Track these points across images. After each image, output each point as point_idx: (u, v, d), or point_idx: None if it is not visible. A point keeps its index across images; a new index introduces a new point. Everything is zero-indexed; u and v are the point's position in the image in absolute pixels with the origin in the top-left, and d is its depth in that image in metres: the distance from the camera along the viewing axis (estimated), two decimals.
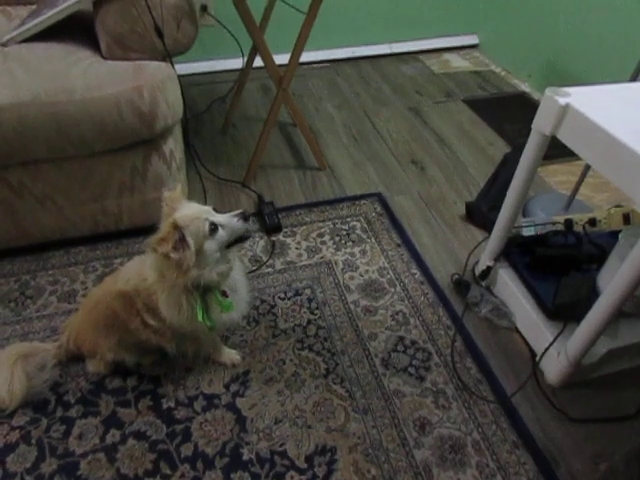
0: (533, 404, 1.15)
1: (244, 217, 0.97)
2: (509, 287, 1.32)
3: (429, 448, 1.07)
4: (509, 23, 2.55)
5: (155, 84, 1.27)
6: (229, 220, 0.96)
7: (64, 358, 1.18)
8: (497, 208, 1.33)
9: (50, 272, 1.43)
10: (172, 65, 1.37)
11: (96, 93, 1.22)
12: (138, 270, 1.03)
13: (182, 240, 0.91)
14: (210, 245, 0.94)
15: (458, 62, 2.72)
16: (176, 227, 0.90)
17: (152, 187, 1.43)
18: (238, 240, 0.99)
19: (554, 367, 1.15)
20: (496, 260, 1.35)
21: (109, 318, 1.09)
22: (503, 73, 2.61)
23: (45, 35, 1.33)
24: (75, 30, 1.38)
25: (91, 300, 1.16)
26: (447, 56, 2.76)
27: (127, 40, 1.30)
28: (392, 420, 1.12)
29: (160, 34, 1.30)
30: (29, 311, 1.33)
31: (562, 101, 1.00)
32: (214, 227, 0.94)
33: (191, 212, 0.94)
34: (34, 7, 1.48)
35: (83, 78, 1.24)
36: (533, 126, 1.10)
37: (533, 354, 1.24)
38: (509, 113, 2.26)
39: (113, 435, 1.08)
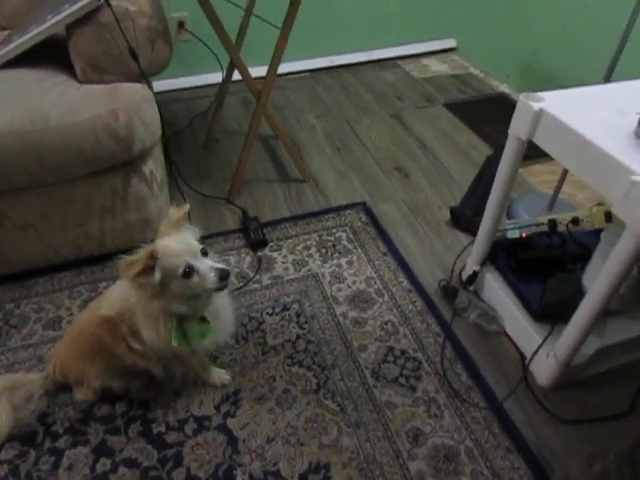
0: (525, 408, 1.15)
1: (222, 276, 0.92)
2: (496, 291, 1.32)
3: (423, 459, 1.07)
4: (486, 25, 2.58)
5: (131, 106, 1.26)
6: (207, 272, 0.92)
7: (51, 388, 1.16)
8: (481, 211, 1.33)
9: (34, 299, 1.41)
10: (149, 85, 1.37)
11: (71, 119, 1.21)
12: (122, 294, 1.02)
13: (151, 268, 0.90)
14: (179, 285, 0.92)
15: (437, 66, 2.74)
16: (151, 256, 0.90)
17: (134, 209, 1.42)
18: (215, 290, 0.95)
19: (544, 369, 1.15)
20: (482, 264, 1.36)
21: (94, 345, 1.07)
22: (482, 75, 2.63)
23: (19, 61, 1.32)
24: (49, 54, 1.37)
25: (76, 327, 1.14)
26: (426, 61, 2.79)
27: (101, 63, 1.29)
28: (385, 432, 1.11)
29: (135, 56, 1.29)
30: (14, 340, 1.31)
31: (536, 106, 1.01)
32: (189, 271, 0.91)
33: (176, 247, 0.92)
34: (6, 33, 1.48)
35: (58, 104, 1.23)
36: (510, 131, 1.11)
37: (523, 357, 1.25)
38: (489, 115, 2.28)
39: (104, 464, 1.07)
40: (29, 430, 1.11)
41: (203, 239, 0.99)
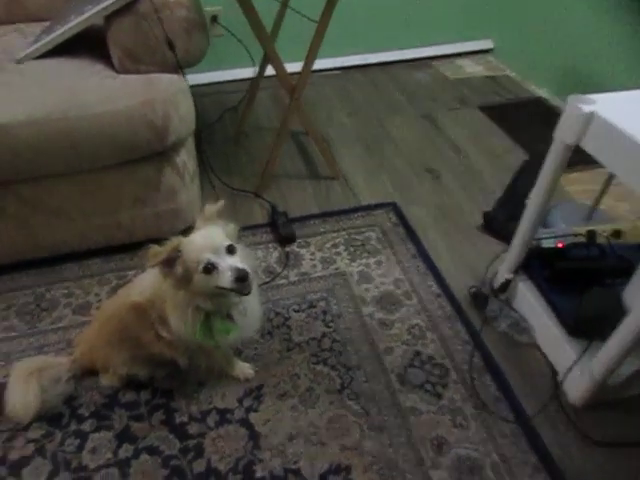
0: (554, 425, 1.11)
1: (237, 277, 0.90)
2: (529, 301, 1.28)
3: (446, 469, 1.04)
4: (525, 26, 2.50)
5: (167, 97, 1.27)
6: (225, 270, 0.90)
7: (78, 371, 1.18)
8: (515, 218, 1.29)
9: (65, 284, 1.44)
10: (184, 77, 1.37)
11: (108, 108, 1.22)
12: (153, 281, 1.03)
13: (175, 260, 0.91)
14: (200, 280, 0.92)
15: (472, 67, 2.68)
16: (176, 249, 0.91)
17: (165, 199, 1.43)
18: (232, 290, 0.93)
19: (577, 387, 1.11)
20: (515, 273, 1.32)
21: (123, 332, 1.09)
22: (519, 78, 2.56)
23: (59, 51, 1.35)
24: (87, 44, 1.39)
25: (104, 313, 1.16)
26: (460, 61, 2.73)
27: (139, 53, 1.30)
28: (408, 439, 1.09)
29: (172, 47, 1.30)
30: (44, 323, 1.33)
31: (586, 109, 0.97)
32: (210, 267, 0.90)
33: (200, 242, 0.92)
34: (47, 24, 1.50)
35: (96, 93, 1.24)
36: (555, 135, 1.07)
37: (554, 372, 1.21)
38: (526, 119, 2.22)
39: (126, 450, 1.08)
40: (56, 412, 1.14)
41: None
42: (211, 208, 0.97)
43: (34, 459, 1.06)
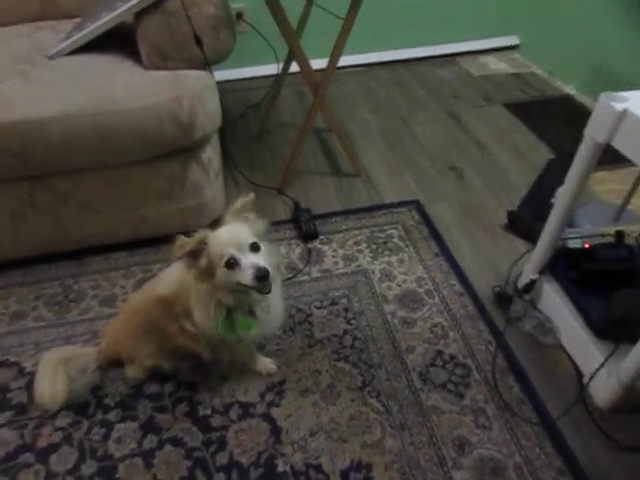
0: (580, 428, 1.10)
1: (257, 276, 0.91)
2: (554, 302, 1.26)
3: (468, 469, 1.03)
4: (552, 22, 2.45)
5: (194, 94, 1.28)
6: (246, 267, 0.91)
7: (104, 362, 1.20)
8: (541, 217, 1.27)
9: (92, 276, 1.47)
10: (211, 74, 1.39)
11: (137, 103, 1.24)
12: (179, 275, 1.04)
13: (199, 252, 0.93)
14: (222, 275, 0.93)
15: (497, 64, 2.64)
16: (202, 241, 0.92)
17: (190, 194, 1.45)
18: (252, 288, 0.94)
19: (604, 390, 1.09)
20: (541, 273, 1.30)
21: (148, 324, 1.10)
22: (545, 75, 2.52)
23: (89, 47, 1.37)
24: (117, 41, 1.41)
25: (130, 306, 1.18)
26: (485, 58, 2.69)
27: (167, 50, 1.32)
28: (430, 438, 1.08)
29: (199, 43, 1.31)
30: (72, 314, 1.36)
31: (619, 107, 0.95)
32: (232, 262, 0.91)
33: (225, 237, 0.93)
34: (78, 21, 1.53)
35: (124, 89, 1.27)
36: (585, 133, 1.05)
37: (579, 374, 1.18)
38: (552, 117, 2.17)
39: (150, 440, 1.10)
40: (82, 401, 1.16)
41: None
42: (240, 203, 0.98)
43: (61, 447, 1.09)
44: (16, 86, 1.27)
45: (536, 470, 1.03)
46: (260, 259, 0.93)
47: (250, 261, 0.91)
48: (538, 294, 1.33)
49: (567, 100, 2.31)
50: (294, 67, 1.66)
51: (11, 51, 1.44)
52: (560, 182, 1.18)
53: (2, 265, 1.47)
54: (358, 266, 1.48)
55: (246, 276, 0.91)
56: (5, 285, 1.44)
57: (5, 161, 1.23)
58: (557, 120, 2.14)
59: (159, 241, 1.52)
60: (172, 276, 1.07)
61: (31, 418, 1.13)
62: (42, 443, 1.10)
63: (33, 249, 1.46)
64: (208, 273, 0.94)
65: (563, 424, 1.10)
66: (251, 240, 0.94)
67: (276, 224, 1.63)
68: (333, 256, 1.52)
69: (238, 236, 0.94)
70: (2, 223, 1.37)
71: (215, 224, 0.99)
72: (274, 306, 1.06)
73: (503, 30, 2.72)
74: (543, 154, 1.93)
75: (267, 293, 0.95)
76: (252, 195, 1.00)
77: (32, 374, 1.17)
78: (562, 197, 1.17)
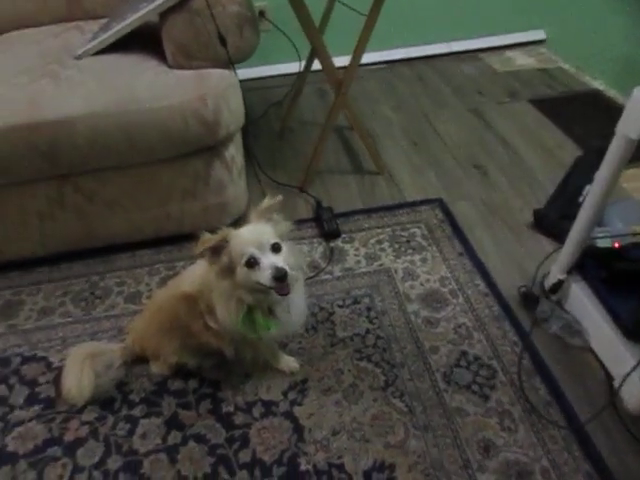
0: (609, 432, 1.07)
1: (275, 276, 0.91)
2: (583, 303, 1.23)
3: (493, 472, 1.02)
4: (580, 16, 2.39)
5: (218, 93, 1.29)
6: (265, 267, 0.91)
7: (129, 358, 1.22)
8: (568, 216, 1.24)
9: (117, 274, 1.49)
10: (235, 72, 1.39)
11: (162, 102, 1.26)
12: (202, 272, 1.05)
13: (221, 249, 0.94)
14: (242, 273, 0.93)
15: (522, 59, 2.58)
16: (224, 239, 0.94)
17: (214, 192, 1.46)
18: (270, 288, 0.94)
19: (637, 393, 1.06)
20: (569, 273, 1.26)
21: (173, 321, 1.12)
22: (573, 70, 2.45)
23: (115, 47, 1.39)
24: (142, 41, 1.43)
25: (155, 303, 1.19)
26: (510, 53, 2.63)
27: (191, 49, 1.33)
28: (454, 440, 1.07)
29: (224, 42, 1.32)
30: (98, 310, 1.39)
31: None
32: (252, 262, 0.92)
33: (247, 236, 0.94)
34: (104, 21, 1.55)
35: (150, 88, 1.28)
36: (617, 129, 1.02)
37: (609, 377, 1.15)
38: (580, 113, 2.12)
39: (174, 436, 1.11)
40: (108, 396, 1.18)
41: None
42: (268, 203, 0.98)
43: (88, 441, 1.11)
44: (46, 86, 1.29)
45: (564, 474, 1.00)
46: (280, 260, 0.93)
47: (270, 261, 0.92)
48: (565, 294, 1.29)
49: (596, 95, 2.24)
50: (316, 65, 1.65)
51: (42, 51, 1.47)
52: (588, 180, 1.15)
53: (30, 262, 1.51)
54: (380, 265, 1.47)
55: (265, 276, 0.91)
56: (33, 282, 1.48)
57: (35, 161, 1.26)
58: (585, 116, 2.09)
59: (182, 239, 1.54)
60: (196, 274, 1.08)
61: (59, 412, 1.16)
62: (69, 437, 1.12)
63: (60, 247, 1.49)
64: (229, 271, 0.95)
65: (592, 428, 1.07)
66: (273, 240, 0.94)
67: (298, 223, 1.61)
68: (355, 255, 1.51)
69: (260, 236, 0.94)
70: (31, 222, 1.41)
71: (238, 222, 1.00)
72: (296, 305, 1.06)
73: (529, 24, 2.66)
74: (570, 151, 1.88)
75: (285, 294, 0.95)
76: (279, 197, 0.99)
77: (59, 369, 1.19)
78: (592, 195, 1.13)
